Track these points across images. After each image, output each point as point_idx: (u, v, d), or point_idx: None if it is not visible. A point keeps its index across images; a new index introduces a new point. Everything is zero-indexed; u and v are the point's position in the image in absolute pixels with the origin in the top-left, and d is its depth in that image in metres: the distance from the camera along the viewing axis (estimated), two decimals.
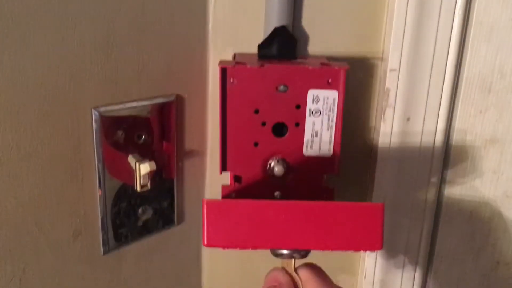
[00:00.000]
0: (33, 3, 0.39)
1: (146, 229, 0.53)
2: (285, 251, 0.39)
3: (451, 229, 0.58)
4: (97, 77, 0.45)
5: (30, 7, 0.39)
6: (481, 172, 0.56)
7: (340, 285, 0.41)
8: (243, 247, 0.38)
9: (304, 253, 0.40)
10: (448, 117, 0.54)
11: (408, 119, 0.53)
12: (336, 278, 0.41)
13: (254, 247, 0.38)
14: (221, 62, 0.46)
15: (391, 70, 0.52)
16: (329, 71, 0.46)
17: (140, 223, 0.52)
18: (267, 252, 0.40)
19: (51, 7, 0.40)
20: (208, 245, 0.38)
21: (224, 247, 0.39)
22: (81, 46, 0.43)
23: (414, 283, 0.60)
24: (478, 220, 0.58)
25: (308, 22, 0.52)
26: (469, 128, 0.55)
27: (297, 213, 0.38)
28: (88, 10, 0.42)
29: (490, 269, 0.60)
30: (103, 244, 0.49)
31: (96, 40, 0.44)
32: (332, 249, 0.38)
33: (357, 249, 0.40)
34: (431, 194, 0.57)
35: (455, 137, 0.55)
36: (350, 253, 0.61)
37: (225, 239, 0.38)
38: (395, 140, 0.54)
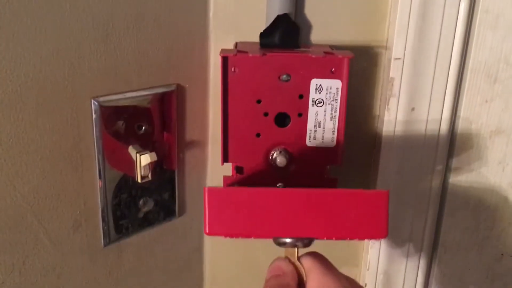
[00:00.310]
0: None
1: (147, 221, 0.52)
2: (288, 240, 0.39)
3: (455, 220, 0.58)
4: (96, 67, 0.44)
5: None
6: (486, 163, 0.56)
7: None
8: (245, 235, 0.38)
9: (307, 242, 0.39)
10: (453, 107, 0.53)
11: (413, 109, 0.53)
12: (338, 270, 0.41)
13: (256, 236, 0.38)
14: (222, 50, 0.45)
15: (396, 59, 0.51)
16: (332, 60, 0.45)
17: (141, 214, 0.51)
18: (270, 242, 0.39)
19: None
20: (210, 234, 0.38)
21: (226, 235, 0.38)
22: (80, 36, 0.42)
23: (418, 274, 0.59)
24: (483, 210, 0.57)
25: (311, 10, 0.51)
26: (475, 118, 0.54)
27: (300, 201, 0.37)
28: None
29: (494, 260, 0.59)
30: (104, 236, 0.49)
31: (95, 29, 0.43)
32: (335, 238, 0.38)
33: (362, 237, 0.39)
34: (435, 184, 0.56)
35: (460, 127, 0.54)
36: (353, 244, 0.60)
37: (227, 227, 0.38)
38: (399, 130, 0.53)
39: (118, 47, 0.45)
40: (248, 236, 0.38)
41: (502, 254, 0.59)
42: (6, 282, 0.43)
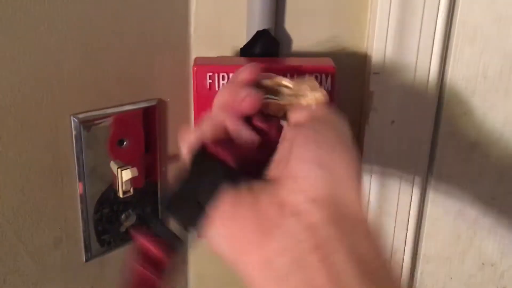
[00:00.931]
0: (6, 7, 0.39)
1: (130, 235, 0.52)
2: None
3: (437, 230, 0.58)
4: (75, 84, 0.44)
5: (2, 12, 0.38)
6: (467, 174, 0.56)
7: None
8: None
9: None
10: (432, 119, 0.54)
11: (393, 122, 0.53)
12: None
13: None
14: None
15: (375, 73, 0.51)
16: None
17: (123, 229, 0.52)
18: None
19: (26, 11, 0.40)
20: None
21: None
22: (58, 54, 0.42)
23: None
24: (463, 221, 0.58)
25: (290, 24, 0.51)
26: (454, 130, 0.55)
27: None
28: (65, 15, 0.42)
29: (476, 269, 0.60)
30: (85, 251, 0.49)
31: (74, 47, 0.43)
32: None
33: None
34: (415, 197, 0.56)
35: (440, 140, 0.55)
36: None
37: None
38: (379, 144, 0.54)
39: (98, 63, 0.45)
40: None
41: (483, 263, 0.60)
42: None
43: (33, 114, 0.42)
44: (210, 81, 0.44)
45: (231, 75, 0.44)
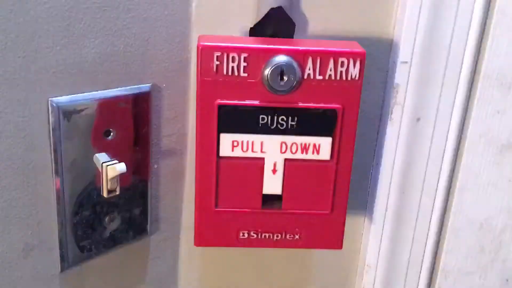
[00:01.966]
0: None
1: (114, 241, 0.45)
2: None
3: (458, 242, 0.52)
4: (55, 62, 0.37)
5: None
6: (496, 180, 0.50)
7: None
8: None
9: None
10: (462, 118, 0.48)
11: (418, 119, 0.47)
12: None
13: None
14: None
15: (402, 62, 0.45)
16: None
17: (106, 233, 0.44)
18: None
19: None
20: None
21: None
22: (35, 25, 0.35)
23: None
24: (488, 232, 0.52)
25: (307, 3, 0.45)
26: (485, 130, 0.49)
27: None
28: None
29: (499, 286, 0.54)
30: (61, 260, 0.42)
31: (54, 18, 0.36)
32: None
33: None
34: (438, 203, 0.50)
35: (469, 140, 0.49)
36: (347, 269, 0.54)
37: None
38: (402, 142, 0.47)
39: (82, 38, 0.38)
40: None
41: (507, 280, 0.54)
42: None
43: (3, 96, 0.34)
44: (218, 62, 0.37)
45: (243, 56, 0.37)
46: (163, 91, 0.44)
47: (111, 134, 0.42)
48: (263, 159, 0.40)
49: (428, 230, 0.51)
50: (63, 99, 0.38)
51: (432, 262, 0.53)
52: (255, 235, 0.42)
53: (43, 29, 0.35)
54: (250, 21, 0.44)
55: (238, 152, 0.39)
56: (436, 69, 0.46)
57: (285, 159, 0.40)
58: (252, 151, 0.39)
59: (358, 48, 0.38)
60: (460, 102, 0.47)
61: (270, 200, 0.41)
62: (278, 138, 0.39)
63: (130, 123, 0.43)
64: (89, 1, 0.37)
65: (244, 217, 0.41)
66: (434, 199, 0.50)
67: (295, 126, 0.39)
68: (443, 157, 0.49)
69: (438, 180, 0.50)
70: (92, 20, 0.38)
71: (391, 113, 0.47)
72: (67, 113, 0.38)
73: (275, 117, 0.38)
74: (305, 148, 0.40)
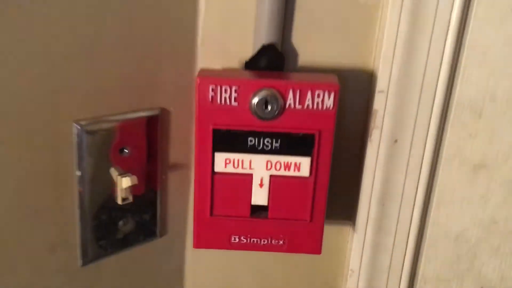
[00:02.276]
0: (11, 11, 0.39)
1: (127, 242, 0.52)
2: None
3: (436, 251, 0.58)
4: (79, 90, 0.44)
5: (6, 15, 0.39)
6: (469, 196, 0.55)
7: None
8: None
9: None
10: (436, 141, 0.53)
11: (396, 141, 0.53)
12: None
13: None
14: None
15: (379, 91, 0.51)
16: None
17: (120, 235, 0.52)
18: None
19: (30, 15, 0.40)
20: None
21: None
22: (64, 60, 0.43)
23: None
24: (464, 243, 0.57)
25: (298, 38, 0.51)
26: (458, 151, 0.54)
27: None
28: (70, 19, 0.42)
29: None
30: (82, 256, 0.49)
31: (80, 52, 0.43)
32: None
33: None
34: (416, 216, 0.56)
35: (443, 160, 0.54)
36: (330, 273, 0.60)
37: None
38: (381, 161, 0.53)
39: (102, 69, 0.45)
40: None
41: (482, 287, 0.59)
42: None
43: (34, 119, 0.42)
44: (213, 94, 0.44)
45: (233, 88, 0.44)
46: (171, 114, 0.52)
47: (126, 151, 0.49)
48: (251, 175, 0.46)
49: (407, 239, 0.57)
50: (85, 122, 0.46)
51: (412, 269, 0.58)
52: (245, 240, 0.48)
53: (71, 62, 0.43)
54: (247, 54, 0.50)
55: (230, 169, 0.46)
56: (411, 98, 0.51)
57: (271, 175, 0.47)
58: (242, 167, 0.46)
59: (334, 82, 0.45)
60: (435, 127, 0.53)
61: (257, 210, 0.48)
62: (264, 157, 0.46)
63: (143, 142, 0.50)
64: (108, 35, 0.45)
65: (235, 224, 0.48)
66: (412, 213, 0.56)
67: (278, 147, 0.45)
68: (419, 175, 0.54)
69: (415, 195, 0.55)
70: (111, 52, 0.45)
71: (371, 136, 0.53)
72: (89, 133, 0.46)
73: (261, 140, 0.45)
74: (287, 166, 0.46)
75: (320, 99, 0.44)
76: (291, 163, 0.46)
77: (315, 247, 0.49)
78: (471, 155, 0.54)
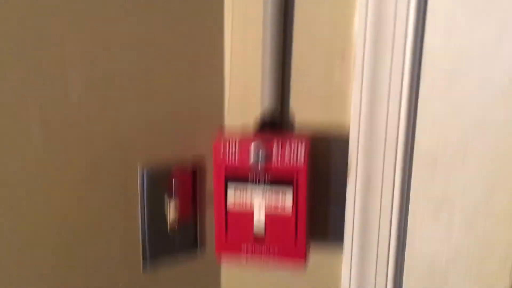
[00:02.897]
0: (80, 61, 0.64)
1: (176, 256, 0.74)
2: None
3: (413, 268, 0.72)
4: (144, 145, 0.68)
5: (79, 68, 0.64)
6: (435, 233, 0.70)
7: None
8: None
9: None
10: (404, 180, 0.69)
11: (369, 181, 0.70)
12: None
13: None
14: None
15: (353, 148, 0.69)
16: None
17: (171, 251, 0.74)
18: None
19: (103, 70, 0.65)
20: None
21: None
22: (132, 132, 0.67)
23: None
24: (438, 262, 0.71)
25: (294, 106, 0.71)
26: (421, 189, 0.70)
27: None
28: (143, 89, 0.67)
29: None
30: (143, 265, 0.72)
31: (145, 126, 0.68)
32: None
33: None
34: (393, 240, 0.71)
35: (412, 197, 0.70)
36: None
37: None
38: (358, 196, 0.70)
39: (156, 128, 0.69)
40: None
41: None
42: None
43: (105, 165, 0.67)
44: (223, 151, 0.66)
45: (237, 146, 0.65)
46: (206, 165, 0.74)
47: (177, 192, 0.72)
48: (252, 213, 0.67)
49: (388, 260, 0.72)
50: (148, 167, 0.69)
51: (394, 283, 0.73)
52: (249, 254, 0.68)
53: (138, 134, 0.67)
54: (258, 113, 0.71)
55: (238, 207, 0.67)
56: (377, 150, 0.69)
57: (266, 215, 0.66)
58: (245, 203, 0.66)
59: (306, 140, 0.64)
60: (400, 171, 0.69)
61: (258, 235, 0.68)
62: (260, 187, 0.66)
63: (188, 185, 0.73)
64: (165, 105, 0.69)
65: (243, 244, 0.68)
66: (390, 238, 0.71)
67: (269, 183, 0.66)
68: (391, 214, 0.70)
69: (391, 222, 0.71)
70: (162, 122, 0.69)
71: (349, 177, 0.70)
72: (151, 177, 0.69)
73: (257, 177, 0.66)
74: (276, 207, 0.66)
75: (294, 153, 0.64)
76: (279, 205, 0.66)
77: (300, 264, 0.66)
78: (433, 192, 0.70)
